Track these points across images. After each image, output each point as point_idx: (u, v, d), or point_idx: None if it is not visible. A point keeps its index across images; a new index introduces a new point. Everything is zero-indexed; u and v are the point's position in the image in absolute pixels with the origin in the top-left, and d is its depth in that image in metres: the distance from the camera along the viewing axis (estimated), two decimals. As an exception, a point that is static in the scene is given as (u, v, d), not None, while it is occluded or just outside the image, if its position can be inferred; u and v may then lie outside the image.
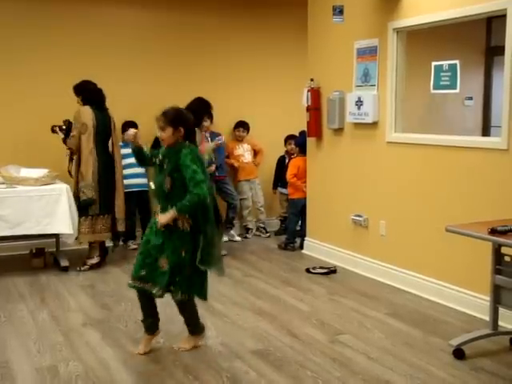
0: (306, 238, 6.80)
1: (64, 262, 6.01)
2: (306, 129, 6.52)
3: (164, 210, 3.73)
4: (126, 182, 6.42)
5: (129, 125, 6.64)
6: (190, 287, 3.80)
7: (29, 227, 5.68)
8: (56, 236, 6.14)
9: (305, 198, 6.76)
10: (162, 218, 3.68)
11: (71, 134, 5.93)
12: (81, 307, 4.94)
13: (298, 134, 7.21)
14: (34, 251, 6.23)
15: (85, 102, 6.01)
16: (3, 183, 5.80)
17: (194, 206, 3.63)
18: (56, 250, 6.25)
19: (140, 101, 6.95)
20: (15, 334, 4.35)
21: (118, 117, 6.87)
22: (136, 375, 3.67)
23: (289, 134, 7.46)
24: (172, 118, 3.72)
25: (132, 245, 6.91)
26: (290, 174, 6.89)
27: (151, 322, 3.97)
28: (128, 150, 6.70)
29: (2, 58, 6.47)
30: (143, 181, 6.97)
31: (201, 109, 6.27)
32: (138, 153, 3.96)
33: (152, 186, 3.76)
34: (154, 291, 3.73)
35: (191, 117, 3.85)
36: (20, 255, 6.45)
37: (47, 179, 5.88)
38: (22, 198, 5.67)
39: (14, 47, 6.51)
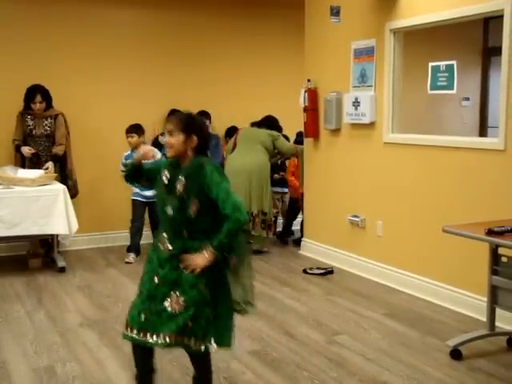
0: (302, 239, 6.80)
1: (61, 263, 6.00)
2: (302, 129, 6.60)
3: (178, 239, 2.97)
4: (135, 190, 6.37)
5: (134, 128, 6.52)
6: (207, 334, 2.92)
7: (26, 228, 5.66)
8: (53, 237, 6.13)
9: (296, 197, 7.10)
10: (200, 261, 2.86)
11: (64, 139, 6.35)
12: (78, 308, 4.93)
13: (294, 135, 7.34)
14: (31, 252, 6.23)
15: (51, 106, 6.32)
16: (0, 184, 5.79)
17: (234, 236, 2.90)
18: (53, 251, 6.23)
19: (139, 101, 6.96)
20: (12, 334, 4.34)
21: (117, 116, 6.89)
22: (133, 376, 3.66)
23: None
24: (186, 122, 3.01)
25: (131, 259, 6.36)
26: (289, 172, 7.12)
27: (148, 380, 3.18)
28: None
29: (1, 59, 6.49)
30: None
31: (275, 122, 6.94)
32: (135, 169, 3.18)
33: (169, 211, 2.95)
34: (156, 341, 2.90)
35: (207, 125, 3.22)
36: (17, 256, 6.46)
37: (44, 180, 5.88)
38: (19, 199, 5.66)
39: (14, 47, 6.50)
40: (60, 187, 5.86)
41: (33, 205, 5.67)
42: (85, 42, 6.79)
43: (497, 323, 4.03)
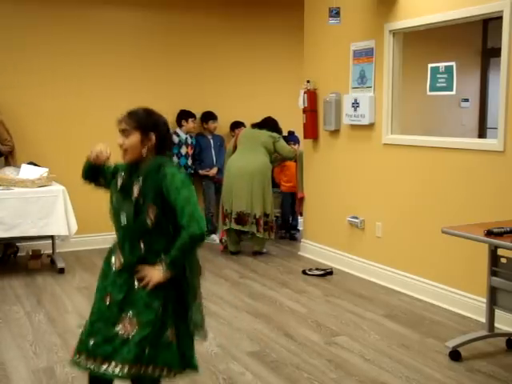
0: (302, 240, 6.81)
1: (60, 264, 6.00)
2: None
3: (134, 252, 2.66)
4: None
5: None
6: (168, 359, 2.60)
7: (25, 229, 5.66)
8: (52, 238, 6.14)
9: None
10: (155, 276, 2.56)
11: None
12: (77, 309, 4.93)
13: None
14: (30, 253, 6.23)
15: None
16: (0, 185, 5.79)
17: (188, 252, 2.61)
18: (52, 252, 6.24)
19: (139, 101, 6.93)
20: (11, 335, 4.34)
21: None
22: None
23: None
24: (141, 118, 2.70)
25: None
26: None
27: None
28: None
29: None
30: None
31: (276, 124, 6.87)
32: (90, 168, 2.88)
33: (123, 219, 2.65)
34: (111, 371, 2.53)
35: (165, 121, 2.80)
36: (17, 257, 6.45)
37: (44, 181, 5.88)
38: (19, 200, 5.65)
39: (13, 49, 6.50)
40: (59, 188, 5.86)
41: (32, 206, 5.67)
42: (85, 39, 6.81)
43: (496, 324, 4.04)
